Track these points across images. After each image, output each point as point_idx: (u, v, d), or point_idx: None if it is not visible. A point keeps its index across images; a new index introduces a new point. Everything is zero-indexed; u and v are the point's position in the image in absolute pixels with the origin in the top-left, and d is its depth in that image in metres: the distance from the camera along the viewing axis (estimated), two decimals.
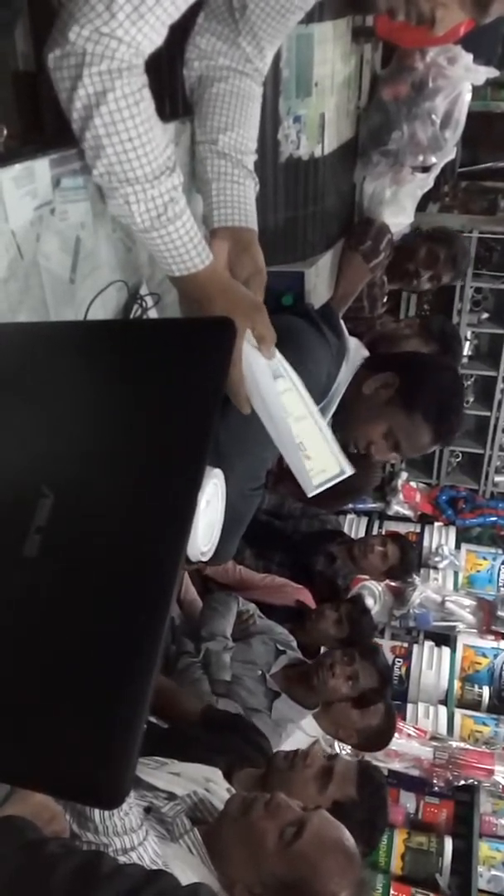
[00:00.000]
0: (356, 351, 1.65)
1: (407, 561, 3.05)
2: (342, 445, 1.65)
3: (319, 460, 1.22)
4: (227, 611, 2.18)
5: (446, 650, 3.37)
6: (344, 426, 1.61)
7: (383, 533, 3.73)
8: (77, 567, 0.71)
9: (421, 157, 2.45)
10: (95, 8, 0.88)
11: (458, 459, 4.33)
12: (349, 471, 1.24)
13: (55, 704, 0.67)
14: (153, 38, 0.94)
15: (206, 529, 1.03)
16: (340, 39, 2.00)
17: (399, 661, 3.32)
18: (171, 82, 1.32)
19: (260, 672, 2.08)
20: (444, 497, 4.20)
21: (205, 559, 1.07)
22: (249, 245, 1.25)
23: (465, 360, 3.97)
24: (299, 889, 1.20)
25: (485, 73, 2.46)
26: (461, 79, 2.40)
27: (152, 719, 1.65)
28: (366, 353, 1.67)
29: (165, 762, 1.50)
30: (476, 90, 2.58)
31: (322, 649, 2.36)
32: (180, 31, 0.99)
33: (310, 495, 1.23)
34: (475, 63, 2.44)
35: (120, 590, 0.69)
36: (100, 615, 0.68)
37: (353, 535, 3.48)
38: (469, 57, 2.42)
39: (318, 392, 1.56)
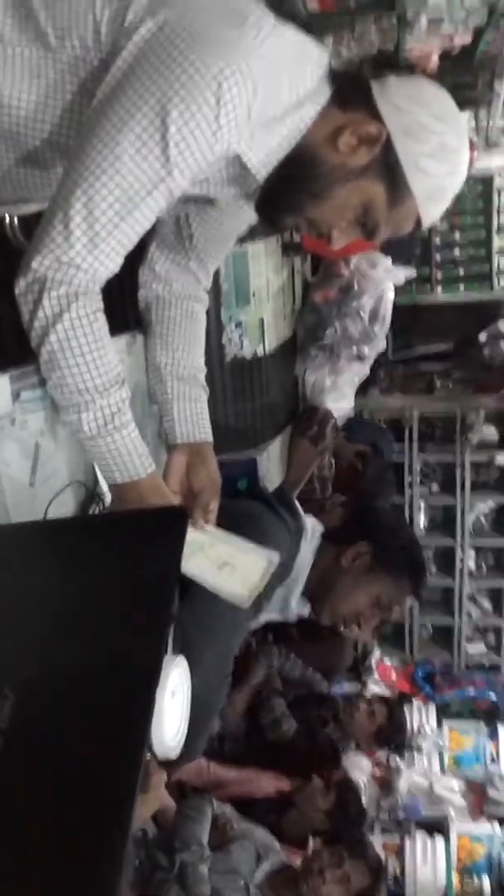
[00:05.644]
0: (314, 528, 1.69)
1: (396, 719, 2.92)
2: (329, 626, 1.67)
3: (243, 569, 1.24)
4: (200, 816, 2.03)
5: (440, 841, 3.15)
6: (328, 606, 1.64)
7: None
8: (38, 770, 0.69)
9: (355, 349, 2.66)
10: (55, 239, 1.01)
11: (429, 633, 4.30)
12: (275, 558, 1.27)
13: None
14: (109, 265, 1.06)
15: (172, 722, 1.00)
16: (272, 255, 2.24)
17: (392, 860, 3.08)
18: (121, 301, 1.46)
19: (243, 882, 1.92)
20: (420, 673, 4.11)
21: (174, 755, 1.03)
22: (206, 459, 1.36)
23: (422, 532, 4.06)
24: None
25: (403, 273, 2.76)
26: (383, 279, 2.66)
27: None
28: (321, 528, 1.72)
29: None
30: (402, 286, 2.88)
31: (310, 840, 2.20)
32: (126, 259, 1.11)
33: (246, 607, 1.23)
34: (395, 264, 2.73)
35: (81, 792, 0.67)
36: (62, 820, 0.66)
37: None
38: (388, 260, 2.70)
39: (280, 571, 1.58)
